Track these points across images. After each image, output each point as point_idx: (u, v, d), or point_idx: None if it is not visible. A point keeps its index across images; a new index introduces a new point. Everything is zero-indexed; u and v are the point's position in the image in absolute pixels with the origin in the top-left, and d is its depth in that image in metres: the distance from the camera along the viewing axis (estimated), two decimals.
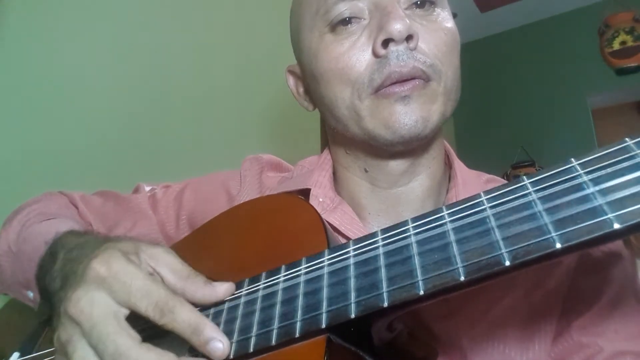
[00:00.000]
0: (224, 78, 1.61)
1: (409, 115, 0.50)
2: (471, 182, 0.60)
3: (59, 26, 1.13)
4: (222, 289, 0.43)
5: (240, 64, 1.69)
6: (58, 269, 0.47)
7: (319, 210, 0.56)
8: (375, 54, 0.51)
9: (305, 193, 0.61)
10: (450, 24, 0.55)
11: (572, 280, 0.51)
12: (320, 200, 0.59)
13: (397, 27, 0.49)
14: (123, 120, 1.25)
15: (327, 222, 0.56)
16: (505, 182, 0.63)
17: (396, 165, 0.57)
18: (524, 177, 0.33)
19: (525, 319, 0.51)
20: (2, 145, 1.00)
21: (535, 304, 0.51)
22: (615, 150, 0.31)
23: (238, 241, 0.53)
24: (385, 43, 0.50)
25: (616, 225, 0.27)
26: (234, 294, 0.45)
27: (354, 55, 0.52)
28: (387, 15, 0.50)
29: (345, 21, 0.53)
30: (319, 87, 0.57)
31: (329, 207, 0.58)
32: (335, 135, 0.62)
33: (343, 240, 0.56)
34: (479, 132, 3.03)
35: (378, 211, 0.59)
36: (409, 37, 0.50)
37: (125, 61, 1.29)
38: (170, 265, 0.42)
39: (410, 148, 0.55)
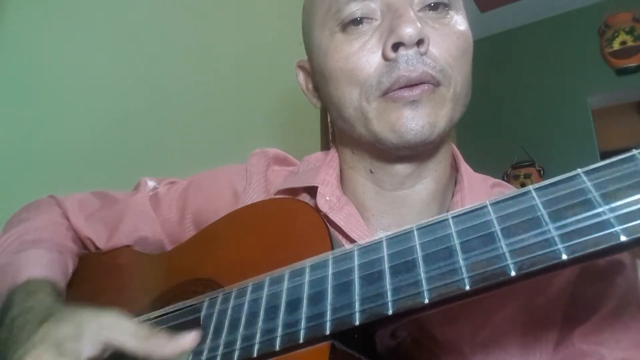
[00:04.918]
0: (226, 76, 1.61)
1: (416, 120, 0.50)
2: (477, 186, 0.59)
3: (59, 25, 1.13)
4: (188, 340, 0.42)
5: (242, 61, 1.69)
6: (6, 325, 0.50)
7: (325, 209, 0.56)
8: (384, 57, 0.51)
9: (312, 190, 0.61)
10: (463, 27, 0.54)
11: (574, 287, 0.51)
12: (327, 199, 0.58)
13: (408, 31, 0.48)
14: (123, 118, 1.25)
15: (332, 221, 0.56)
16: (511, 187, 0.63)
17: (402, 169, 0.56)
18: (530, 185, 0.33)
19: (527, 326, 0.50)
20: (3, 143, 1.00)
21: (536, 311, 0.51)
22: (621, 160, 0.30)
23: (242, 245, 0.54)
24: (396, 46, 0.50)
25: (623, 238, 0.27)
26: (237, 298, 0.45)
27: (363, 56, 0.52)
28: (399, 18, 0.50)
29: (357, 21, 0.53)
30: (327, 86, 0.57)
31: (335, 206, 0.58)
32: (342, 135, 0.62)
33: (346, 242, 0.56)
34: (479, 132, 3.02)
35: (382, 213, 0.59)
36: (419, 42, 0.49)
37: (129, 58, 1.29)
38: (128, 331, 0.42)
39: (416, 152, 0.55)
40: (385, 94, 0.51)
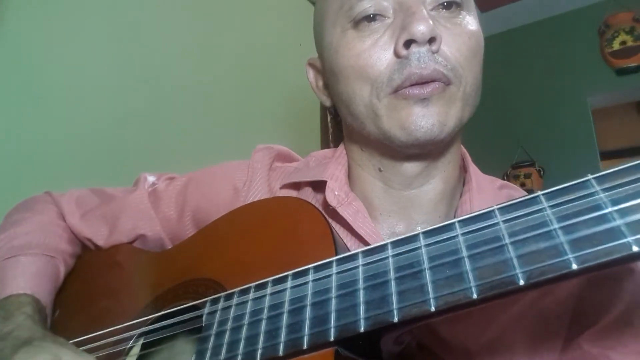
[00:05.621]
0: (226, 75, 1.61)
1: (426, 118, 0.50)
2: (485, 187, 0.59)
3: (59, 24, 1.12)
4: None
5: (242, 61, 1.68)
6: None
7: (334, 203, 0.56)
8: (396, 54, 0.51)
9: (318, 185, 0.61)
10: (474, 27, 0.54)
11: (583, 290, 0.50)
12: (336, 193, 0.58)
13: (420, 29, 0.48)
14: (123, 116, 1.25)
15: (340, 216, 0.56)
16: (518, 188, 0.63)
17: (411, 167, 0.56)
18: (539, 191, 0.33)
19: (534, 328, 0.50)
20: (2, 141, 0.99)
21: (544, 311, 0.50)
22: (633, 167, 0.30)
23: (244, 245, 0.53)
24: (408, 44, 0.50)
25: (635, 249, 0.26)
26: (240, 301, 0.45)
27: (375, 53, 0.52)
28: (411, 15, 0.50)
29: (369, 18, 0.53)
30: (338, 83, 0.56)
31: (344, 201, 0.58)
32: (352, 133, 0.61)
33: (352, 238, 0.56)
34: (479, 132, 3.02)
35: (389, 212, 0.59)
36: (431, 40, 0.50)
37: (129, 57, 1.29)
38: None
39: (425, 151, 0.55)
40: (396, 91, 0.51)
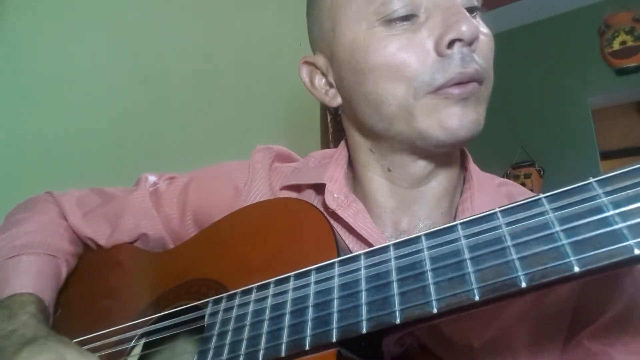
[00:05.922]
0: (226, 75, 1.60)
1: (463, 118, 0.51)
2: (485, 185, 0.60)
3: (59, 23, 1.12)
4: None
5: (242, 60, 1.68)
6: None
7: (333, 206, 0.57)
8: (439, 53, 0.51)
9: (318, 187, 0.62)
10: (489, 31, 0.55)
11: (583, 288, 0.51)
12: (335, 196, 0.59)
13: (468, 29, 0.49)
14: (123, 116, 1.25)
15: (340, 217, 0.56)
16: (517, 185, 0.63)
17: (423, 166, 0.57)
18: (540, 193, 0.33)
19: (535, 325, 0.51)
20: (2, 140, 0.99)
21: (545, 309, 0.51)
22: (635, 170, 0.30)
23: (247, 246, 0.53)
24: (451, 43, 0.50)
25: (637, 252, 0.26)
26: (242, 301, 0.45)
27: (412, 52, 0.51)
28: (457, 15, 0.50)
29: (402, 17, 0.52)
30: (364, 82, 0.54)
31: (343, 203, 0.58)
32: (363, 133, 0.60)
33: (354, 239, 0.57)
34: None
35: (393, 209, 0.59)
36: (473, 41, 0.50)
37: (129, 56, 1.29)
38: None
39: (454, 149, 0.56)
40: (437, 90, 0.51)
